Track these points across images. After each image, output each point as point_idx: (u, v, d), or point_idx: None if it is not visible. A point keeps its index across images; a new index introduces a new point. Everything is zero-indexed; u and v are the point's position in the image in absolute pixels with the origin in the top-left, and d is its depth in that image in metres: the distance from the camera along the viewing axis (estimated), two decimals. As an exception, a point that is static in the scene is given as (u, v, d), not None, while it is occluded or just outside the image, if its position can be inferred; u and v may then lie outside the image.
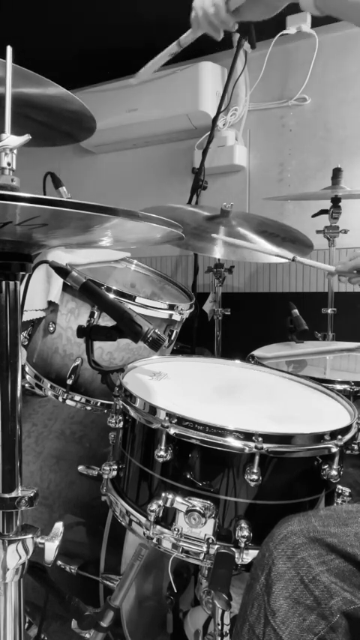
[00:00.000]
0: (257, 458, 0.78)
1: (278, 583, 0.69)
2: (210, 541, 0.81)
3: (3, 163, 0.66)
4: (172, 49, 1.11)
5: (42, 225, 0.57)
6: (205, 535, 0.81)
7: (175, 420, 0.82)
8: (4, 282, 0.69)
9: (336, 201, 1.91)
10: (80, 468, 1.17)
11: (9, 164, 0.67)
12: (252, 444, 0.78)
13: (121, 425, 0.95)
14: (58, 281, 1.25)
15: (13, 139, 0.66)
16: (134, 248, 1.51)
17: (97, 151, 3.00)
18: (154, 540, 0.84)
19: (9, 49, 0.68)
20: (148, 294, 1.44)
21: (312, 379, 1.13)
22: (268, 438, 0.79)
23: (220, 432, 0.79)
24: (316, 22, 2.29)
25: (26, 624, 1.20)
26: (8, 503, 0.70)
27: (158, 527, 0.84)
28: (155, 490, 0.86)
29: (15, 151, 0.67)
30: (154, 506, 0.83)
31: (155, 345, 0.99)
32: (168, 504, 0.82)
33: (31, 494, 0.71)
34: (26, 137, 0.67)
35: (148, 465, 0.87)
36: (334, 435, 0.83)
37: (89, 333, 1.07)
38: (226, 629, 0.95)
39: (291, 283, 2.50)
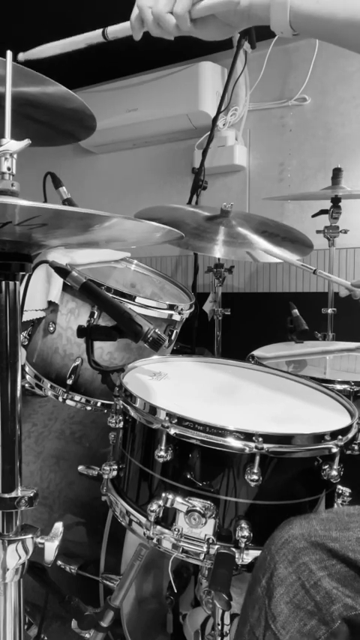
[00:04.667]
0: (257, 458, 0.78)
1: (279, 588, 0.69)
2: (210, 541, 0.81)
3: (3, 168, 0.66)
4: (94, 38, 0.92)
5: (41, 225, 0.57)
6: (206, 535, 0.81)
7: (176, 420, 0.81)
8: (3, 283, 0.69)
9: (336, 201, 1.91)
10: (80, 468, 1.17)
11: (9, 169, 0.66)
12: (252, 444, 0.78)
13: (121, 425, 0.95)
14: (58, 281, 1.24)
15: (13, 143, 0.66)
16: (134, 248, 1.51)
17: (97, 151, 3.00)
18: (154, 540, 0.84)
19: (9, 53, 0.68)
20: (148, 294, 1.44)
21: (312, 379, 1.13)
22: (268, 438, 0.79)
23: (221, 432, 0.79)
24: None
25: (26, 624, 1.20)
26: (8, 503, 0.70)
27: (158, 527, 0.84)
28: (155, 490, 0.86)
29: (15, 156, 0.67)
30: (154, 507, 0.83)
31: (155, 344, 0.99)
32: (168, 504, 0.82)
33: (31, 495, 0.71)
34: (26, 142, 0.67)
35: (148, 465, 0.87)
36: (334, 435, 0.82)
37: (89, 333, 1.07)
38: (226, 629, 0.95)
39: (291, 283, 2.50)
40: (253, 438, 0.78)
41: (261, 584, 0.71)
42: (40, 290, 1.28)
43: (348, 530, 0.71)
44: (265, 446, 0.78)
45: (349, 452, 0.85)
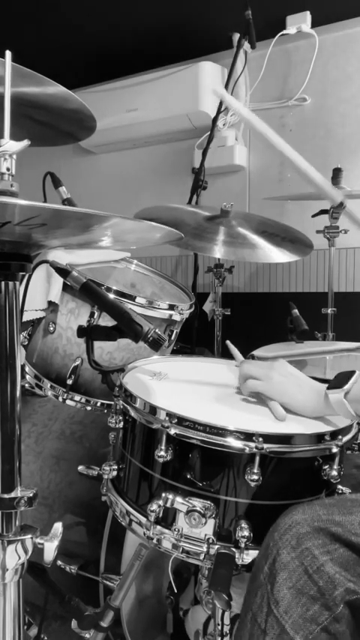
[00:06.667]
0: (258, 458, 0.78)
1: (282, 573, 0.69)
2: (210, 541, 0.81)
3: (2, 168, 0.66)
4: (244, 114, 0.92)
5: (41, 225, 0.57)
6: (206, 535, 0.81)
7: (176, 420, 0.81)
8: (3, 283, 0.69)
9: (336, 201, 1.90)
10: (80, 468, 1.17)
11: (8, 169, 0.66)
12: (252, 444, 0.78)
13: (121, 425, 0.95)
14: (58, 281, 1.24)
15: (13, 144, 0.66)
16: (134, 248, 1.51)
17: (97, 151, 3.00)
18: (154, 540, 0.84)
19: (8, 54, 0.68)
20: (148, 294, 1.44)
21: (312, 379, 1.12)
22: (268, 438, 0.78)
23: (221, 432, 0.79)
24: (316, 22, 2.29)
25: (26, 624, 1.20)
26: (7, 503, 0.70)
27: (158, 527, 0.84)
28: (155, 490, 0.86)
29: (14, 156, 0.67)
30: (154, 507, 0.82)
31: (156, 345, 0.99)
32: (168, 504, 0.82)
33: (31, 495, 0.71)
34: (25, 142, 0.67)
35: (148, 465, 0.87)
36: (334, 435, 0.82)
37: (89, 333, 1.07)
38: (226, 629, 0.95)
39: (291, 283, 2.50)
40: (253, 438, 0.78)
41: (263, 570, 0.71)
42: (40, 290, 1.28)
43: (351, 515, 0.71)
44: (265, 446, 0.78)
45: (349, 452, 0.85)
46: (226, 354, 1.19)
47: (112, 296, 1.18)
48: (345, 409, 0.83)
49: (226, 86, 2.33)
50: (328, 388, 0.87)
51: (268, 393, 0.93)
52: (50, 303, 1.28)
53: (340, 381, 0.86)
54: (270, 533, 0.74)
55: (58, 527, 0.73)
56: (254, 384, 0.95)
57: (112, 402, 0.98)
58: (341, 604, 0.67)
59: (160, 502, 0.82)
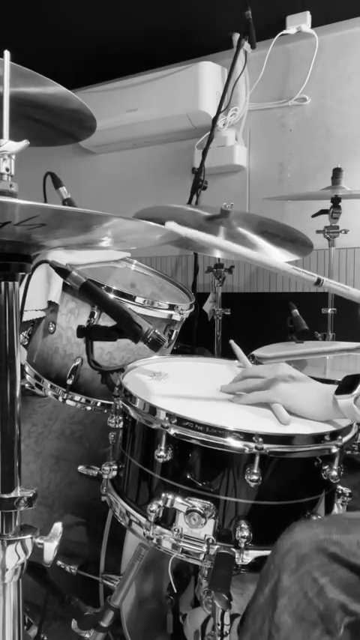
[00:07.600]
0: (257, 458, 0.77)
1: (283, 598, 0.69)
2: (210, 541, 0.81)
3: (1, 169, 0.66)
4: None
5: (41, 225, 0.57)
6: (205, 535, 0.81)
7: (175, 421, 0.81)
8: (3, 283, 0.69)
9: (336, 201, 1.90)
10: (80, 468, 1.17)
11: (7, 169, 0.66)
12: (252, 445, 0.78)
13: (121, 425, 0.95)
14: (58, 281, 1.24)
15: (12, 144, 0.66)
16: (134, 249, 1.51)
17: (97, 151, 3.00)
18: (154, 541, 0.84)
19: (6, 53, 0.68)
20: (148, 294, 1.44)
21: (312, 379, 1.12)
22: (268, 438, 0.78)
23: (221, 432, 0.79)
24: (316, 22, 2.29)
25: (26, 624, 1.20)
26: (7, 503, 0.70)
27: (158, 527, 0.84)
28: (155, 490, 0.86)
29: (13, 157, 0.67)
30: (154, 507, 0.82)
31: (155, 345, 0.99)
32: (168, 505, 0.82)
33: (30, 495, 0.71)
34: (25, 143, 0.67)
35: (148, 465, 0.87)
36: (334, 435, 0.82)
37: (89, 333, 1.07)
38: (226, 629, 0.95)
39: (291, 283, 2.50)
40: (253, 438, 0.78)
41: (264, 593, 0.71)
42: (40, 290, 1.28)
43: (348, 534, 0.71)
44: (265, 446, 0.78)
45: (349, 452, 0.85)
46: (226, 354, 1.19)
47: (112, 296, 1.18)
48: (354, 414, 0.83)
49: (226, 86, 2.33)
50: (336, 393, 0.86)
51: (275, 400, 0.93)
52: (50, 303, 1.28)
53: (348, 384, 0.85)
54: (271, 555, 0.74)
55: (57, 527, 0.73)
56: (261, 396, 0.95)
57: (112, 402, 0.98)
58: (342, 628, 0.67)
59: (160, 502, 0.82)
